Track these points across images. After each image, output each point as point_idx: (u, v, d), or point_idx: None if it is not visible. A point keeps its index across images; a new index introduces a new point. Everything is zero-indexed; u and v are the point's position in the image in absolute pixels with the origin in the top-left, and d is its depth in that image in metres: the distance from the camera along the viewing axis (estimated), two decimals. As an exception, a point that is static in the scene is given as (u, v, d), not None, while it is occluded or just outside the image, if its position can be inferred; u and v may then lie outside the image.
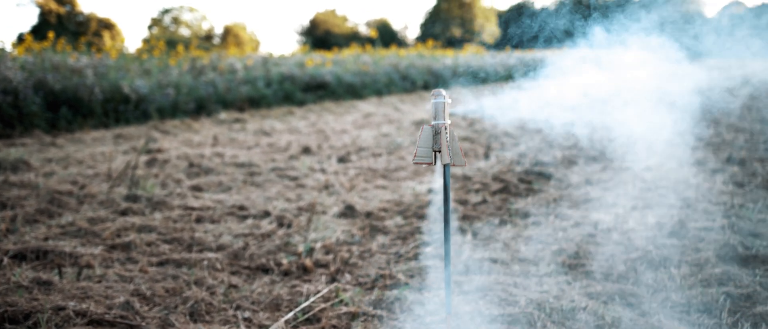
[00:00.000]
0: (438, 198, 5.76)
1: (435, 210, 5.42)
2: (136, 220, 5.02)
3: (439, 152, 2.11)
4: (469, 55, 27.19)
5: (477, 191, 6.21)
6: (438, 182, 6.41)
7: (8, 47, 13.50)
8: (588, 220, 5.10)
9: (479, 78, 23.64)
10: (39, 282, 3.64)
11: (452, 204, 5.62)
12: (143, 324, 3.14)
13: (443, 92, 2.09)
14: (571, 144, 8.61)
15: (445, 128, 2.10)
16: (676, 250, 4.33)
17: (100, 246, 4.39)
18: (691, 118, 11.10)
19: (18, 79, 10.23)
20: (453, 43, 50.71)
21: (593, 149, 8.01)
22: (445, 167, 2.11)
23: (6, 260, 3.96)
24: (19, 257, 4.11)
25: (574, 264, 4.11)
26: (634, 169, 7.06)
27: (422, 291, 3.64)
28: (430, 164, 2.12)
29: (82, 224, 4.84)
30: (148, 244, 4.48)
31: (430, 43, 28.99)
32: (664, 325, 3.17)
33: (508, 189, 6.16)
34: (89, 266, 3.98)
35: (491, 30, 56.33)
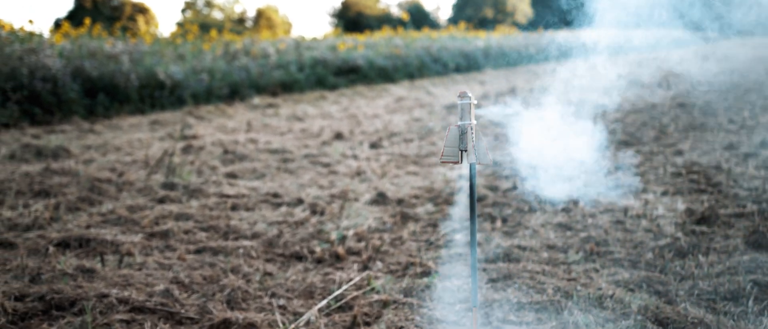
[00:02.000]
0: (468, 185, 5.83)
1: (465, 197, 5.49)
2: (174, 208, 5.17)
3: (466, 151, 2.19)
4: (501, 37, 27.08)
5: (507, 177, 6.26)
6: (468, 169, 6.48)
7: (46, 33, 13.79)
8: (618, 206, 5.14)
9: (511, 60, 23.61)
10: (83, 270, 3.78)
11: (482, 190, 5.69)
12: (182, 311, 3.27)
13: (469, 93, 2.16)
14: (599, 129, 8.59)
15: (471, 128, 2.18)
16: (704, 237, 4.36)
17: (140, 234, 4.53)
18: (724, 99, 11.02)
19: (57, 67, 10.44)
20: (485, 23, 50.45)
21: (625, 133, 8.01)
22: (471, 165, 2.19)
23: (51, 248, 4.11)
24: (63, 245, 4.27)
25: (603, 251, 4.17)
26: (665, 153, 7.06)
27: (452, 279, 3.72)
28: (456, 163, 2.19)
29: (121, 213, 4.99)
30: (186, 232, 4.61)
31: (463, 25, 28.91)
32: (690, 313, 3.22)
33: (537, 175, 6.20)
34: (130, 254, 4.12)
35: (524, 10, 55.92)
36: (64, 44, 12.16)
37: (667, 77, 16.17)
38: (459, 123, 2.19)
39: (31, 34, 11.78)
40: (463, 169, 6.54)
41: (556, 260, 4.05)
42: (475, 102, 2.18)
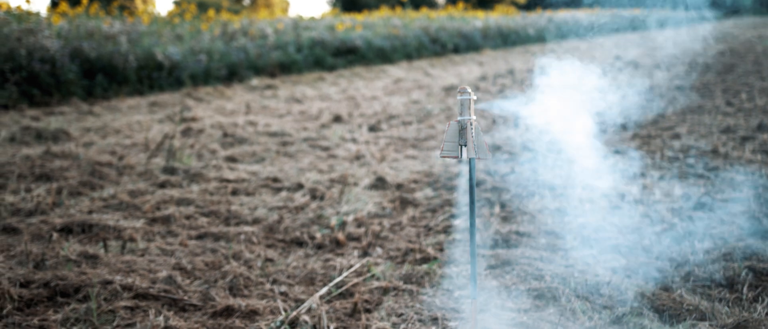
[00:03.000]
0: (467, 169, 5.87)
1: (464, 181, 5.53)
2: (175, 193, 5.21)
3: (465, 146, 2.23)
4: (499, 17, 27.04)
5: (506, 161, 6.30)
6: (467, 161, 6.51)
7: (44, 12, 13.75)
8: (615, 191, 5.18)
9: (510, 41, 23.58)
10: (86, 256, 3.83)
11: (480, 175, 5.73)
12: (186, 298, 3.31)
13: (468, 89, 2.20)
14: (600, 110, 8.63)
15: (471, 124, 2.22)
16: (701, 223, 4.41)
17: (142, 219, 4.58)
18: (723, 81, 11.04)
19: (55, 48, 10.44)
20: (484, 3, 50.28)
21: (622, 116, 8.05)
22: (471, 160, 2.23)
23: (55, 234, 4.16)
24: (66, 230, 4.31)
25: (600, 237, 4.21)
26: (663, 137, 7.10)
27: (451, 265, 3.77)
28: (456, 157, 2.23)
29: (123, 198, 5.03)
30: (187, 217, 4.65)
31: (461, 5, 28.83)
32: (685, 300, 3.27)
33: (536, 159, 6.25)
34: (132, 239, 4.17)
35: (522, -11, 55.68)
36: (62, 24, 12.15)
37: (664, 59, 16.18)
38: (459, 118, 2.23)
39: (29, 14, 11.76)
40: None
41: (554, 246, 4.10)
42: (475, 98, 2.22)
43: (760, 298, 3.32)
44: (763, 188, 5.10)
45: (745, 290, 3.40)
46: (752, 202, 4.76)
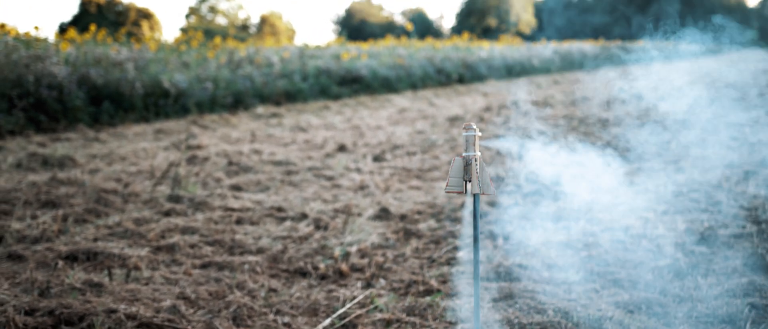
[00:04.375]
0: (471, 201, 5.89)
1: (467, 213, 5.55)
2: (180, 221, 5.23)
3: (470, 181, 2.25)
4: (504, 47, 27.17)
5: (510, 193, 6.32)
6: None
7: (51, 38, 13.88)
8: (618, 224, 5.19)
9: (514, 72, 23.67)
10: (91, 284, 3.85)
11: (484, 207, 5.75)
12: (189, 327, 3.32)
13: (474, 125, 2.23)
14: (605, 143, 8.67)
15: (476, 160, 2.25)
16: (704, 258, 4.42)
17: (146, 248, 4.60)
18: (725, 114, 11.06)
19: (63, 75, 10.53)
20: (489, 33, 50.59)
21: (625, 149, 8.07)
22: (475, 196, 2.26)
23: (60, 262, 4.18)
24: (71, 258, 4.33)
25: (603, 271, 4.22)
26: (667, 171, 7.12)
27: (454, 298, 3.78)
28: (460, 193, 2.26)
29: (128, 225, 5.05)
30: (192, 246, 4.67)
31: (466, 35, 29.00)
32: (688, 336, 3.28)
33: (540, 191, 6.27)
34: (137, 268, 4.19)
35: (527, 20, 56.09)
36: (70, 51, 12.25)
37: (669, 91, 16.22)
38: (464, 154, 2.26)
39: (37, 40, 11.87)
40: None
41: (557, 279, 4.11)
42: (479, 134, 2.25)
43: (762, 335, 3.32)
44: (766, 224, 5.11)
45: (747, 326, 3.41)
46: (755, 237, 4.76)
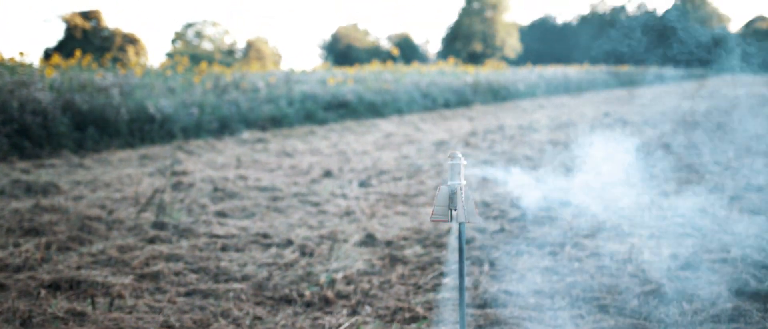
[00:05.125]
0: (456, 227, 5.89)
1: (453, 239, 5.54)
2: (164, 248, 5.20)
3: (455, 210, 2.26)
4: (490, 72, 27.32)
5: (495, 218, 6.33)
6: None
7: (36, 63, 13.84)
8: (604, 250, 5.20)
9: (500, 96, 23.78)
10: (73, 313, 3.81)
11: (470, 233, 5.75)
12: (173, 357, 3.29)
13: (459, 154, 2.24)
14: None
15: (461, 189, 2.25)
16: (689, 283, 4.43)
17: (130, 276, 4.56)
18: (709, 140, 11.13)
19: (47, 101, 10.49)
20: (474, 58, 50.86)
21: (610, 175, 8.10)
22: (461, 224, 2.26)
23: (42, 291, 4.14)
24: (54, 287, 4.29)
25: (588, 297, 4.23)
26: (652, 195, 7.15)
27: (440, 325, 3.77)
28: (446, 221, 2.26)
29: (112, 253, 5.02)
30: (176, 274, 4.64)
31: (452, 60, 29.14)
32: (673, 363, 3.28)
33: (525, 217, 6.28)
34: (120, 296, 4.15)
35: (513, 45, 56.45)
36: (55, 76, 12.21)
37: (653, 116, 16.35)
38: (449, 183, 2.26)
39: (22, 66, 11.84)
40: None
41: (543, 306, 4.11)
42: (465, 163, 2.26)
43: (747, 361, 3.33)
44: (751, 249, 5.13)
45: (732, 352, 3.41)
46: (739, 262, 4.78)
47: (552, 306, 4.10)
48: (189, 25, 51.16)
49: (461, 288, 2.25)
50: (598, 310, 4.02)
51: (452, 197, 2.25)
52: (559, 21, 63.45)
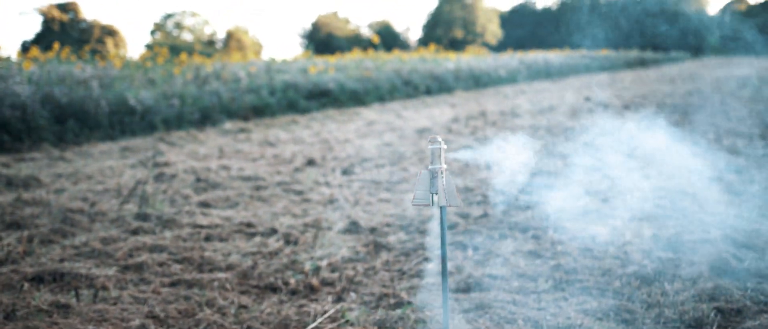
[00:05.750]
0: (438, 213, 5.91)
1: (436, 225, 5.56)
2: (148, 239, 5.19)
3: (436, 194, 2.27)
4: (471, 58, 27.34)
5: (478, 203, 6.36)
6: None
7: (14, 56, 13.72)
8: (586, 232, 5.24)
9: (481, 82, 23.81)
10: (58, 306, 3.80)
11: (453, 218, 5.78)
12: (159, 347, 3.29)
13: (439, 138, 2.25)
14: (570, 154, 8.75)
15: (442, 172, 2.26)
16: (671, 264, 4.47)
17: (114, 267, 4.55)
18: (689, 122, 11.22)
19: (26, 94, 10.41)
20: (455, 44, 50.89)
21: (591, 158, 8.15)
22: (442, 208, 2.27)
23: (25, 284, 4.12)
24: (38, 280, 4.27)
25: (572, 279, 4.26)
26: (633, 178, 7.20)
27: (424, 310, 3.79)
28: (427, 205, 2.27)
29: (95, 245, 5.00)
30: (160, 264, 4.63)
31: (433, 46, 29.12)
32: (656, 342, 3.32)
33: (508, 201, 6.31)
34: (104, 288, 4.14)
35: (493, 31, 56.51)
36: (33, 69, 12.11)
37: (633, 100, 16.43)
38: (430, 167, 2.27)
39: (-1, 59, 11.75)
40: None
41: (527, 289, 4.14)
42: (445, 147, 2.27)
43: (728, 338, 3.37)
44: (731, 229, 5.18)
45: (714, 330, 3.46)
46: (720, 242, 4.84)
47: (536, 289, 4.13)
48: (168, 16, 50.87)
49: (444, 272, 2.27)
50: (581, 292, 4.06)
51: (433, 181, 2.27)
52: (539, 6, 63.55)
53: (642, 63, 39.21)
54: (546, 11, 61.83)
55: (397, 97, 18.90)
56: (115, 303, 3.93)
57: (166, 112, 12.38)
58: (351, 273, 4.45)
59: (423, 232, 5.42)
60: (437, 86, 21.04)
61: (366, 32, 57.97)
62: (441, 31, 56.21)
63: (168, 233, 5.40)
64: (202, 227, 5.64)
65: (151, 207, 6.16)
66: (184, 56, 17.84)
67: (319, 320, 3.66)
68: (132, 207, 6.20)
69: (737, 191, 6.42)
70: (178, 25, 50.88)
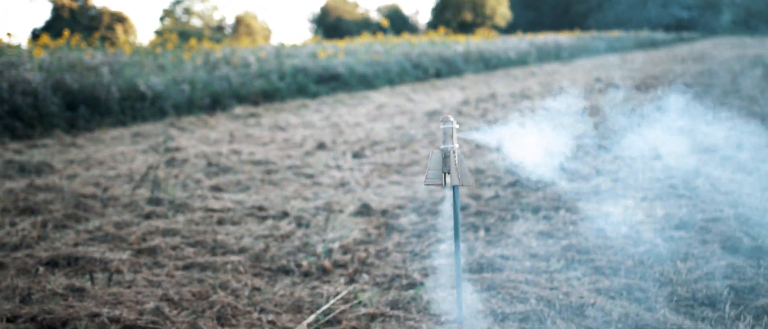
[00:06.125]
0: (450, 194, 5.92)
1: (448, 206, 5.57)
2: (160, 223, 5.21)
3: (449, 173, 2.27)
4: (480, 41, 27.24)
5: (489, 184, 6.36)
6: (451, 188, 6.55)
7: (24, 44, 13.76)
8: (598, 212, 5.24)
9: (491, 65, 23.72)
10: (73, 289, 3.83)
11: (465, 199, 5.78)
12: (173, 329, 3.32)
13: (451, 118, 2.25)
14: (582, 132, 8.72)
15: (454, 152, 2.26)
16: (683, 243, 4.47)
17: (128, 251, 4.58)
18: (700, 102, 11.17)
19: (37, 81, 10.43)
20: (465, 27, 50.70)
21: (603, 138, 8.13)
22: (454, 187, 2.27)
23: (40, 268, 4.15)
24: (52, 264, 4.31)
25: (584, 259, 4.26)
26: (645, 157, 7.18)
27: (437, 290, 3.80)
28: (440, 185, 2.28)
29: (108, 229, 5.03)
30: (173, 248, 4.66)
31: (442, 29, 29.02)
32: (669, 320, 3.32)
33: (520, 182, 6.30)
34: (119, 271, 4.17)
35: (503, 13, 56.24)
36: (44, 57, 12.14)
37: (644, 80, 16.35)
38: (442, 146, 2.27)
39: (10, 47, 11.77)
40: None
41: (538, 269, 4.14)
42: (457, 126, 2.27)
43: (742, 316, 3.37)
44: (744, 207, 5.17)
45: (727, 308, 3.45)
46: (732, 221, 4.82)
47: (548, 269, 4.13)
48: (177, 2, 50.82)
49: (456, 251, 2.27)
50: (593, 272, 4.06)
51: (445, 160, 2.27)
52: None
53: (653, 44, 38.99)
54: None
55: (406, 80, 18.86)
56: (129, 287, 3.96)
57: (176, 97, 12.40)
58: (363, 254, 4.47)
59: (434, 214, 5.42)
60: (447, 69, 20.98)
61: (375, 16, 57.80)
62: (450, 14, 55.94)
63: (180, 217, 5.43)
64: (214, 210, 5.66)
65: (163, 192, 6.19)
66: (193, 42, 17.85)
67: (332, 301, 3.68)
68: (144, 192, 6.23)
69: (749, 169, 6.39)
70: (188, 11, 50.85)
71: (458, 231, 2.28)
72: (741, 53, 25.17)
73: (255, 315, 3.54)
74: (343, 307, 3.60)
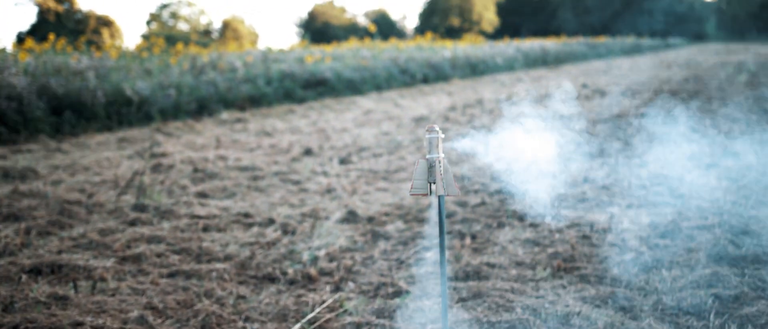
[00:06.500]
0: (437, 201, 5.91)
1: (435, 213, 5.56)
2: (145, 230, 5.18)
3: (434, 183, 2.27)
4: (467, 46, 27.30)
5: (476, 191, 6.36)
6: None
7: (9, 48, 13.68)
8: (584, 220, 5.25)
9: (478, 70, 23.76)
10: (56, 297, 3.80)
11: (451, 207, 5.78)
12: (158, 338, 3.30)
13: (436, 127, 2.25)
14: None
15: (439, 161, 2.26)
16: (668, 251, 4.48)
17: (112, 259, 4.55)
18: (687, 108, 11.21)
19: (22, 85, 10.37)
20: (452, 32, 50.81)
21: (589, 145, 8.15)
22: (440, 198, 2.27)
23: (23, 276, 4.12)
24: (35, 271, 4.27)
25: (569, 267, 4.27)
26: (630, 165, 7.21)
27: (423, 299, 3.79)
28: (425, 195, 2.27)
29: (93, 236, 5.00)
30: (158, 255, 4.63)
31: (429, 35, 29.07)
32: (654, 328, 3.32)
33: (506, 190, 6.31)
34: (103, 279, 4.14)
35: (490, 18, 56.41)
36: (29, 61, 12.07)
37: (631, 86, 16.42)
38: (427, 156, 2.27)
39: (-6, 51, 11.71)
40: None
41: (525, 277, 4.14)
42: (442, 136, 2.26)
43: (726, 325, 3.38)
44: (728, 215, 5.19)
45: (711, 317, 3.46)
46: (717, 229, 4.84)
47: (534, 277, 4.13)
48: (164, 6, 50.65)
49: (442, 261, 2.27)
50: (579, 280, 4.06)
51: (431, 170, 2.26)
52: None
53: (638, 49, 39.20)
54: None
55: (394, 85, 18.86)
56: (113, 295, 3.93)
57: (162, 102, 12.35)
58: (349, 262, 4.46)
59: (421, 221, 5.42)
60: (434, 75, 21.00)
61: (362, 21, 57.82)
62: (437, 19, 56.07)
63: (166, 224, 5.40)
64: (199, 217, 5.64)
65: (148, 198, 6.16)
66: (180, 46, 17.80)
67: (317, 310, 3.67)
68: (129, 198, 6.19)
69: (734, 177, 6.42)
70: (174, 15, 50.69)
71: (444, 241, 2.28)
72: (724, 60, 25.33)
73: (240, 323, 3.52)
74: (328, 316, 3.59)
